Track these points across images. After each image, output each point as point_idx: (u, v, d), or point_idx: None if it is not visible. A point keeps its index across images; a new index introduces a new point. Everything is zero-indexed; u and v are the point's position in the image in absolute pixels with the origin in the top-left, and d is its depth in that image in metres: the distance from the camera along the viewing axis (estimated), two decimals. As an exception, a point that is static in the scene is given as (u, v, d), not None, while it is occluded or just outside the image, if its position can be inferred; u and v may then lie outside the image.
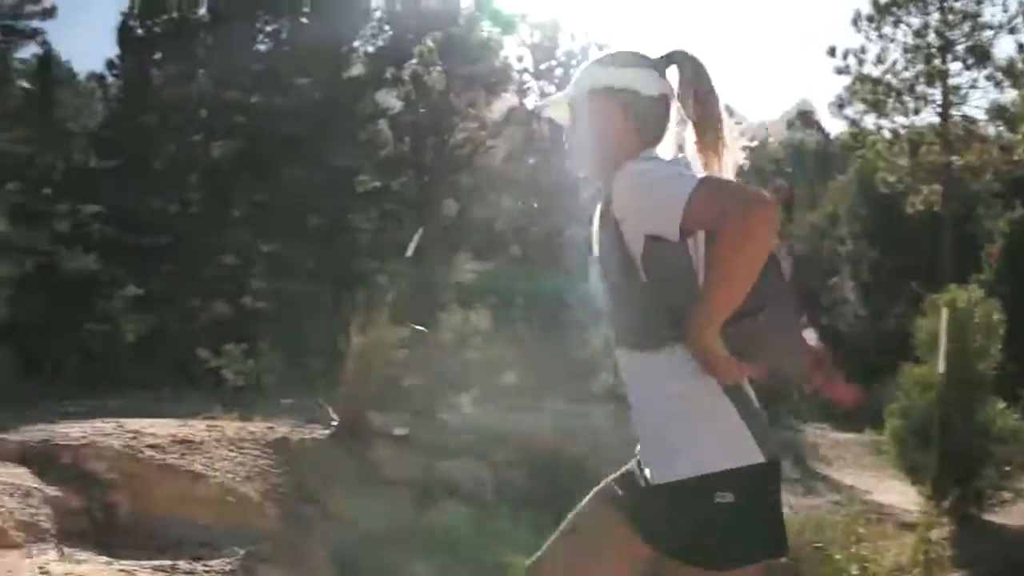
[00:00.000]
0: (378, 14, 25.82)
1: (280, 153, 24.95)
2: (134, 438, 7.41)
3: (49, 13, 25.51)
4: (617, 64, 2.29)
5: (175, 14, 25.32)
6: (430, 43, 19.15)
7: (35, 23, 25.41)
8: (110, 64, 26.37)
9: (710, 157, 2.20)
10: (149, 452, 7.01)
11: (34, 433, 7.26)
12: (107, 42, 33.46)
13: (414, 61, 20.26)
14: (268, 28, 26.00)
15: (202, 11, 25.71)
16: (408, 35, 24.01)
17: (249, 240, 26.08)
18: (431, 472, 9.79)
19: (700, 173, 2.13)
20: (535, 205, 25.12)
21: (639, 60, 2.29)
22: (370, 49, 25.89)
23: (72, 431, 7.45)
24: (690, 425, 2.08)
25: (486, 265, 24.06)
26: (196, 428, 8.43)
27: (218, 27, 25.19)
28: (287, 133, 24.88)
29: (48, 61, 25.59)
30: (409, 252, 12.47)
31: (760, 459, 2.07)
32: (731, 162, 2.22)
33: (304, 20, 25.67)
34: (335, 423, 9.56)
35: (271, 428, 8.94)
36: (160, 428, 8.15)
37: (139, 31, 25.32)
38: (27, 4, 25.08)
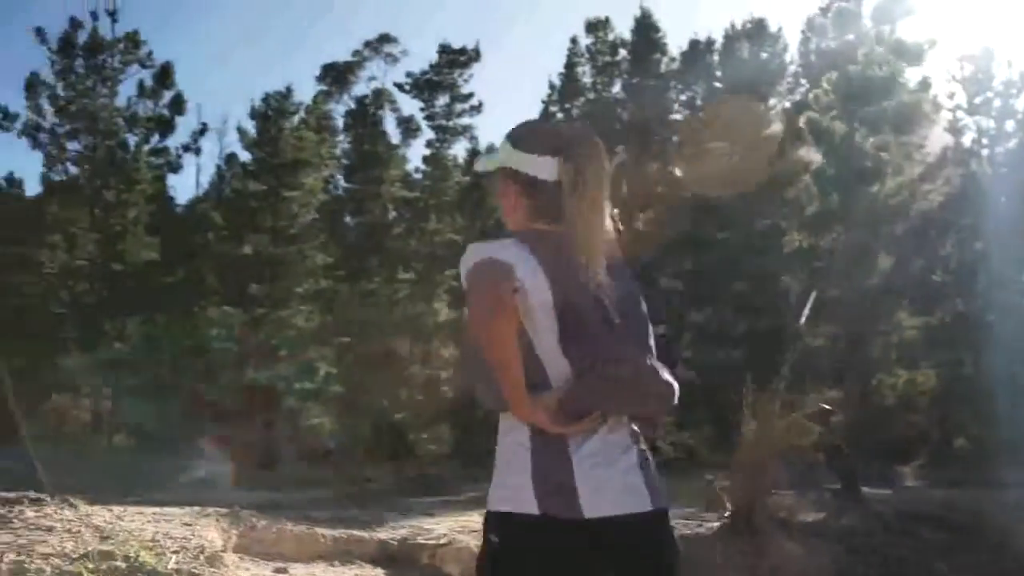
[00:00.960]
0: (792, 68, 24.87)
1: (703, 219, 24.61)
2: (474, 531, 7.14)
3: (477, 109, 27.18)
4: (523, 148, 2.37)
5: (591, 95, 25.94)
6: (826, 86, 17.88)
7: (465, 120, 27.18)
8: (535, 150, 27.48)
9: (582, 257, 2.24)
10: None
11: (401, 529, 7.22)
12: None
13: (812, 111, 19.07)
14: (683, 97, 25.88)
15: (616, 88, 26.12)
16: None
17: (678, 308, 25.85)
18: (841, 565, 8.68)
19: (512, 254, 2.19)
20: (979, 251, 22.72)
21: (543, 145, 2.34)
22: (787, 104, 24.93)
23: (439, 526, 7.33)
24: (500, 471, 2.26)
25: (928, 320, 22.09)
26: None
27: (633, 102, 25.45)
28: (709, 199, 24.52)
29: (475, 154, 27.16)
30: (802, 319, 11.42)
31: (532, 510, 2.15)
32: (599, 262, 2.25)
33: (717, 84, 25.29)
34: (728, 513, 8.79)
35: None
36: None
37: (559, 115, 26.15)
38: (457, 103, 26.84)
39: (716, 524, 8.64)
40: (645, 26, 25.52)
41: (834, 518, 10.54)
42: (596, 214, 2.27)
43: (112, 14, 23.58)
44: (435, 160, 27.58)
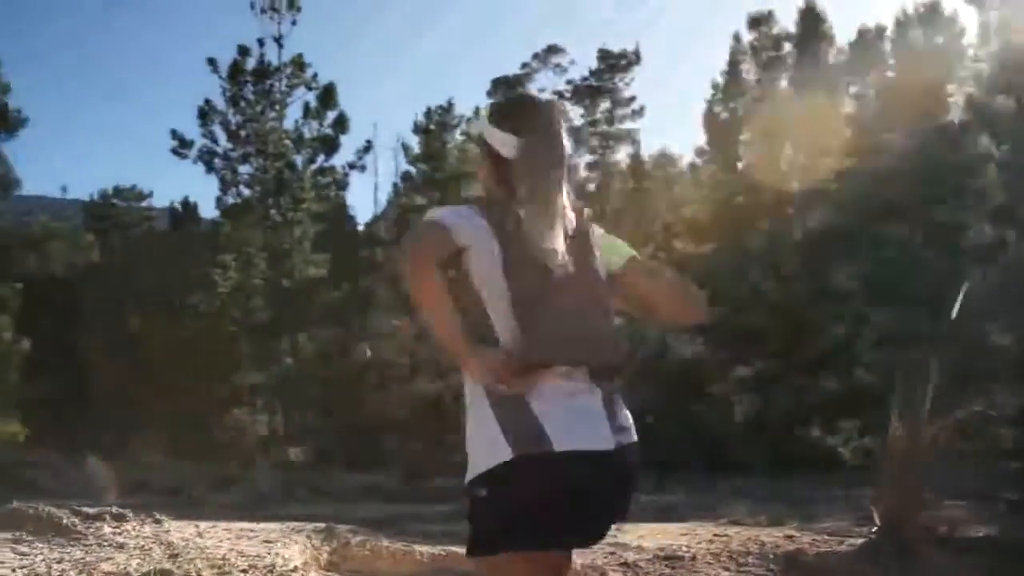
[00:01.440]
0: (971, 52, 23.45)
1: (878, 216, 23.51)
2: (612, 553, 6.80)
3: (639, 113, 26.80)
4: (493, 121, 2.50)
5: (756, 91, 25.18)
6: (990, 68, 16.68)
7: (627, 125, 26.83)
8: (699, 151, 26.91)
9: (536, 229, 2.34)
10: (614, 575, 6.34)
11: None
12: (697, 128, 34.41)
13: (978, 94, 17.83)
14: (850, 90, 24.80)
15: (783, 84, 25.26)
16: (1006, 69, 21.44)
17: (855, 310, 24.77)
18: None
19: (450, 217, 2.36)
20: None
21: (507, 121, 2.47)
22: (968, 90, 23.54)
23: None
24: (471, 438, 2.34)
25: None
26: (699, 538, 7.64)
27: (800, 96, 24.56)
28: (883, 194, 23.42)
29: (639, 158, 26.76)
30: (953, 313, 10.57)
31: (508, 456, 2.22)
32: (560, 231, 2.38)
33: (890, 74, 24.13)
34: (875, 530, 8.13)
35: (789, 538, 7.82)
36: (656, 539, 7.49)
37: (724, 115, 25.49)
38: (618, 108, 26.52)
39: (860, 541, 8.01)
40: (810, 17, 24.58)
41: (1008, 532, 9.69)
42: (549, 190, 2.38)
43: (278, 40, 24.35)
44: (598, 167, 27.36)
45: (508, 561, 2.27)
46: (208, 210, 26.79)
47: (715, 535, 7.77)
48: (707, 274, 25.57)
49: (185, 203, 26.27)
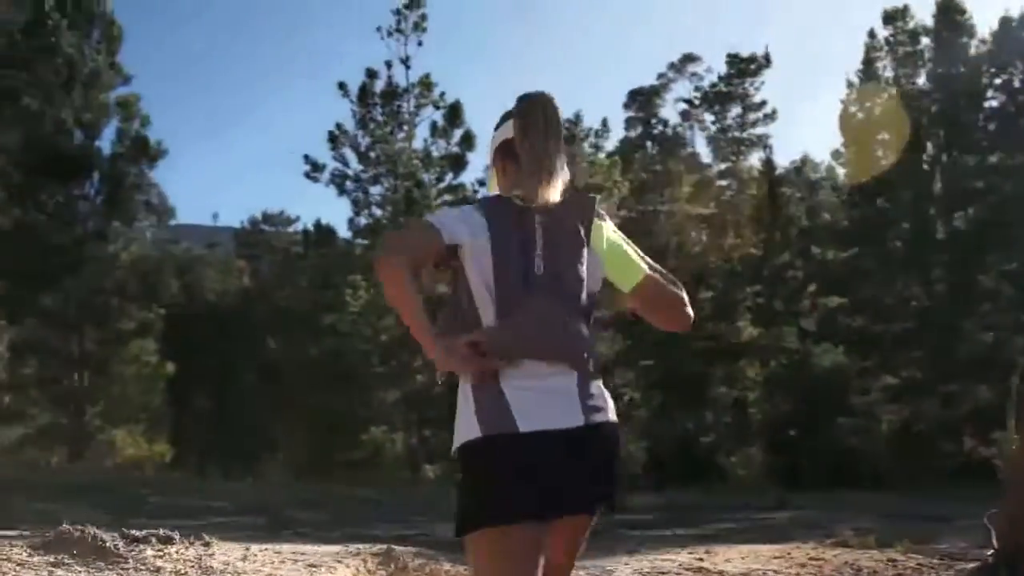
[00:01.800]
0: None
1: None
2: (683, 582, 6.53)
3: (771, 117, 26.14)
4: (499, 123, 2.68)
5: (893, 89, 24.27)
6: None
7: (759, 129, 26.20)
8: (836, 154, 26.11)
9: (534, 186, 2.46)
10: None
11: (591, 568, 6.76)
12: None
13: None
14: (997, 81, 23.65)
15: (921, 80, 24.31)
16: None
17: (1006, 314, 23.60)
18: None
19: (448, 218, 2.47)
20: None
21: (507, 114, 2.62)
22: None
23: (637, 563, 6.81)
24: (456, 418, 2.45)
25: None
26: (792, 561, 7.28)
27: (941, 92, 23.60)
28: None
29: (770, 164, 26.10)
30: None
31: (476, 435, 2.36)
32: (557, 186, 2.48)
33: (1037, 62, 22.92)
34: (991, 553, 7.61)
35: (891, 562, 7.37)
36: (744, 562, 7.17)
37: (860, 114, 24.68)
38: (749, 113, 25.93)
39: (971, 565, 7.49)
40: (948, 9, 23.55)
41: None
42: (545, 148, 2.48)
43: (405, 61, 24.70)
44: (732, 173, 26.81)
45: (485, 535, 2.37)
46: (342, 231, 27.21)
47: (811, 558, 7.39)
48: (848, 279, 24.80)
49: (318, 225, 26.83)
